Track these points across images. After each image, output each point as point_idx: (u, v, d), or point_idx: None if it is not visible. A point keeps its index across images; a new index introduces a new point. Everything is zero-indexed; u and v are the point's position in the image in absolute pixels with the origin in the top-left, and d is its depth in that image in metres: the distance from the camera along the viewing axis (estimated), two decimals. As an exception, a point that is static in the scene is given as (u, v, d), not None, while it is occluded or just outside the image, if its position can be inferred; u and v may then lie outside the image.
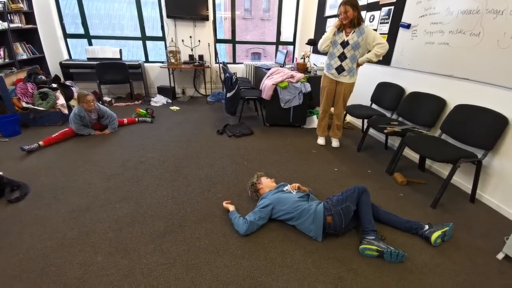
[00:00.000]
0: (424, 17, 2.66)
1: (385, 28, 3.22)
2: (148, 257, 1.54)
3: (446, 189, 2.07)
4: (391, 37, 3.13)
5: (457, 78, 2.39)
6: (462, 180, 2.38)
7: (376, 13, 3.36)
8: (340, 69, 2.84)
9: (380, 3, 3.29)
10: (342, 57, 2.78)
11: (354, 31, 2.66)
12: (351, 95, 3.00)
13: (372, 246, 1.56)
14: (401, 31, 2.98)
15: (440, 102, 2.51)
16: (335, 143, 3.22)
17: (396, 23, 3.05)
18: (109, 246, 1.60)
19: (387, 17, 3.19)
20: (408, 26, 2.85)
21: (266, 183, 2.03)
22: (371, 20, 3.46)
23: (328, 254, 1.61)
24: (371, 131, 3.49)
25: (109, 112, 3.37)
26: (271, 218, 1.84)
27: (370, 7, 3.49)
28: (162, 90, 5.07)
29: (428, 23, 2.62)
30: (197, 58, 5.08)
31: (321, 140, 3.30)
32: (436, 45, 2.54)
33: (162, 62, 5.15)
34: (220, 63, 5.13)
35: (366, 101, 3.51)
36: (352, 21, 2.62)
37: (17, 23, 3.99)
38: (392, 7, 3.10)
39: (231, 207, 1.91)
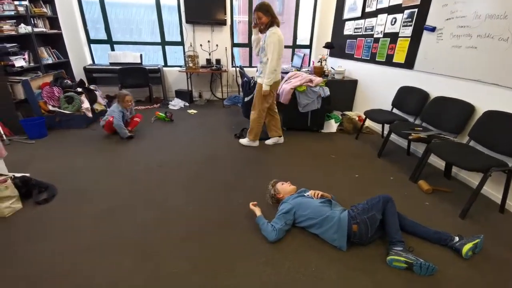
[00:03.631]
0: (450, 20, 2.58)
1: (408, 31, 3.14)
2: (173, 262, 1.55)
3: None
4: (415, 40, 3.05)
5: (485, 83, 2.30)
6: (491, 189, 2.28)
7: (399, 16, 3.29)
8: (258, 69, 3.00)
9: (403, 6, 3.21)
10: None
11: (266, 34, 2.75)
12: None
13: (401, 257, 1.51)
14: (425, 34, 2.90)
15: (468, 108, 2.41)
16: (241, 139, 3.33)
17: (419, 26, 2.97)
18: (135, 250, 1.63)
19: (410, 19, 3.11)
20: (433, 29, 2.77)
21: (284, 189, 2.01)
22: (393, 23, 3.39)
23: (353, 264, 1.57)
24: (392, 136, 3.41)
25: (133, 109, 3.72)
26: (293, 225, 1.82)
27: (392, 10, 3.42)
28: (179, 94, 5.16)
29: (455, 26, 2.54)
30: (214, 62, 5.14)
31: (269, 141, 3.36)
32: (464, 49, 2.46)
33: (180, 66, 5.24)
34: (237, 67, 5.16)
35: (387, 106, 3.43)
36: (267, 25, 2.73)
37: (41, 27, 4.12)
38: (416, 10, 3.02)
39: (258, 211, 1.87)
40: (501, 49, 2.15)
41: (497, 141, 2.11)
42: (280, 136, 3.34)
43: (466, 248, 1.61)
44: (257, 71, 3.07)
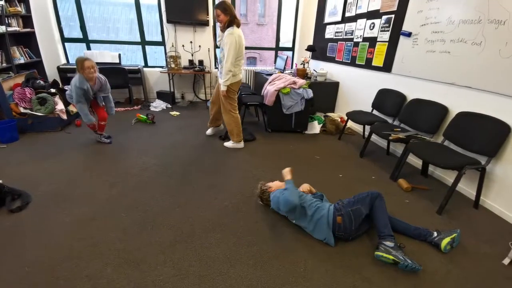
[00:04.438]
0: (425, 26, 2.72)
1: (386, 36, 3.27)
2: (159, 268, 1.51)
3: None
4: (392, 45, 3.18)
5: (459, 86, 2.44)
6: (465, 186, 2.42)
7: (377, 21, 3.42)
8: (219, 69, 3.00)
9: (381, 12, 3.34)
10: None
11: (224, 33, 2.76)
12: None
13: (389, 255, 1.54)
14: (402, 39, 3.03)
15: (442, 109, 2.55)
16: (225, 142, 3.31)
17: (396, 31, 3.10)
18: (118, 257, 1.57)
19: (387, 25, 3.24)
20: (409, 35, 2.91)
21: (275, 184, 2.06)
22: (372, 28, 3.51)
23: (341, 262, 1.60)
24: (373, 137, 3.52)
25: (108, 86, 3.17)
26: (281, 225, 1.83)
27: (371, 15, 3.54)
28: (161, 95, 5.04)
29: (429, 31, 2.67)
30: (197, 63, 5.08)
31: (208, 131, 3.58)
32: (438, 54, 2.59)
33: (162, 67, 5.12)
34: (220, 68, 5.12)
35: (367, 107, 3.54)
36: (225, 24, 2.71)
37: (15, 26, 3.92)
38: (393, 16, 3.15)
39: (289, 175, 1.94)
40: (474, 53, 2.27)
41: (469, 141, 2.24)
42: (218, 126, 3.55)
43: (444, 242, 1.69)
44: (219, 70, 3.04)
